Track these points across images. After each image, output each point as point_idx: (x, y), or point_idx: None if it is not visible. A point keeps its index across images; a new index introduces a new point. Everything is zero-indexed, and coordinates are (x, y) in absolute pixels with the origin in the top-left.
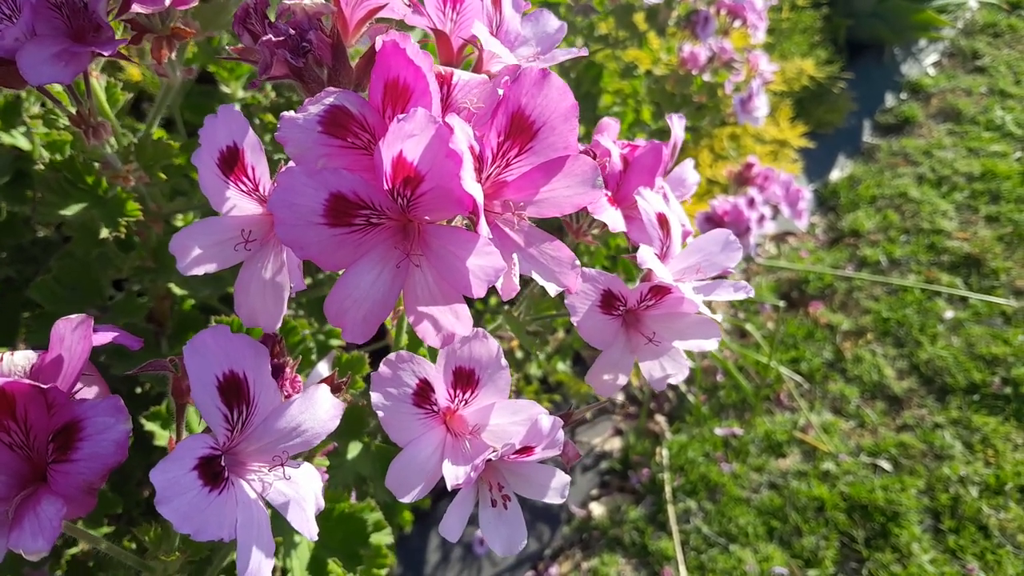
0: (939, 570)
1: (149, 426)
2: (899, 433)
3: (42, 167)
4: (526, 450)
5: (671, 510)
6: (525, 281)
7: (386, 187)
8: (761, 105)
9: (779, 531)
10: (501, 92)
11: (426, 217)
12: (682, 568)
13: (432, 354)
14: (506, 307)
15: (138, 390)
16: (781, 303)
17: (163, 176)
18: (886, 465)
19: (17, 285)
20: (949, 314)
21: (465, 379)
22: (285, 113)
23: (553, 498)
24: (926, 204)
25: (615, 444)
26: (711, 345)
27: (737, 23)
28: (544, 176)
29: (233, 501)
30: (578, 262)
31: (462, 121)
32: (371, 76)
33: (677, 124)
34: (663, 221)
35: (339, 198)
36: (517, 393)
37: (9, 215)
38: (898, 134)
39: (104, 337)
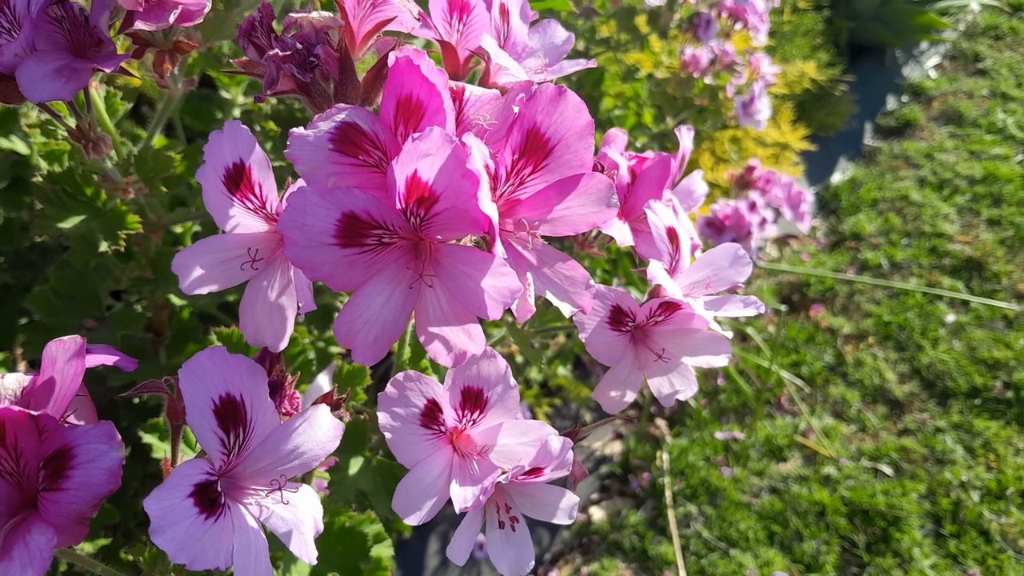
0: (940, 575)
1: (147, 438)
2: (900, 437)
3: (40, 178)
4: (535, 471)
5: (671, 514)
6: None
7: (399, 207)
8: (763, 108)
9: (780, 536)
10: (516, 109)
11: (438, 236)
12: (682, 573)
13: (435, 367)
14: (509, 318)
15: (136, 400)
16: (782, 307)
17: (163, 188)
18: (887, 469)
19: (15, 291)
20: (951, 318)
21: (473, 399)
22: (294, 130)
23: (561, 519)
24: (927, 207)
25: (615, 448)
26: (721, 361)
27: (738, 26)
28: (558, 195)
29: (230, 527)
30: (592, 281)
31: (478, 140)
32: (383, 92)
33: (685, 136)
34: (672, 235)
35: (351, 218)
36: None
37: (7, 221)
38: (899, 137)
39: (97, 359)
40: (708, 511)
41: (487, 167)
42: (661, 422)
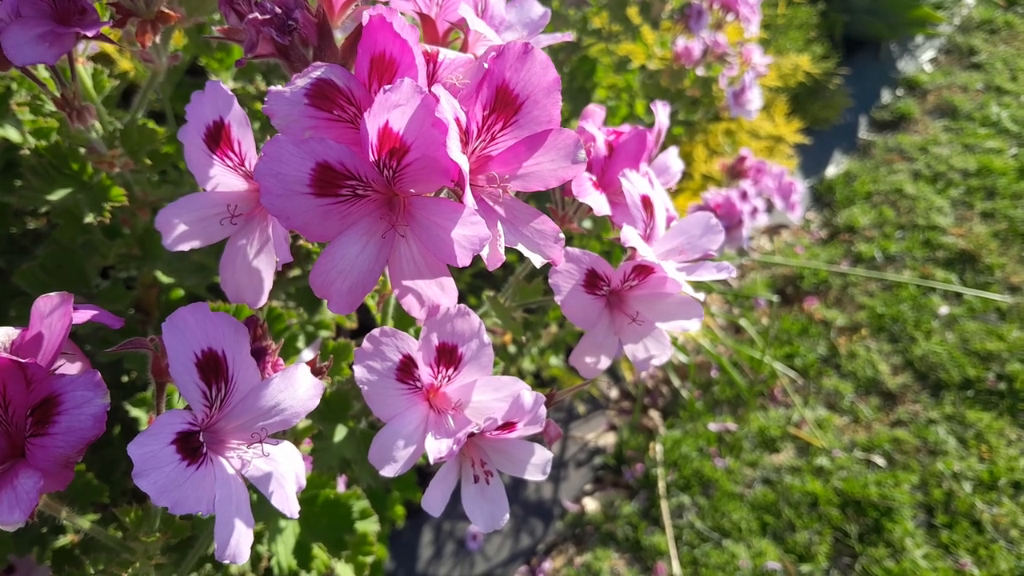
0: (932, 565)
1: (134, 412)
2: (893, 429)
3: (27, 152)
4: (508, 426)
5: (664, 505)
6: (511, 266)
7: (372, 158)
8: (754, 98)
9: (772, 526)
10: (487, 67)
11: (411, 189)
12: (675, 563)
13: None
14: (491, 295)
15: (124, 378)
16: (776, 298)
17: (148, 162)
18: (880, 461)
19: (7, 275)
20: (944, 310)
21: (448, 355)
22: (272, 87)
23: (534, 474)
24: (921, 200)
25: (609, 439)
26: (694, 326)
27: (730, 17)
28: (528, 150)
29: (211, 477)
30: (562, 235)
31: (447, 92)
32: (357, 50)
33: (661, 112)
34: (647, 203)
35: (325, 168)
36: None
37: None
38: (894, 130)
39: (84, 315)
40: (701, 502)
41: (458, 120)
42: (655, 413)
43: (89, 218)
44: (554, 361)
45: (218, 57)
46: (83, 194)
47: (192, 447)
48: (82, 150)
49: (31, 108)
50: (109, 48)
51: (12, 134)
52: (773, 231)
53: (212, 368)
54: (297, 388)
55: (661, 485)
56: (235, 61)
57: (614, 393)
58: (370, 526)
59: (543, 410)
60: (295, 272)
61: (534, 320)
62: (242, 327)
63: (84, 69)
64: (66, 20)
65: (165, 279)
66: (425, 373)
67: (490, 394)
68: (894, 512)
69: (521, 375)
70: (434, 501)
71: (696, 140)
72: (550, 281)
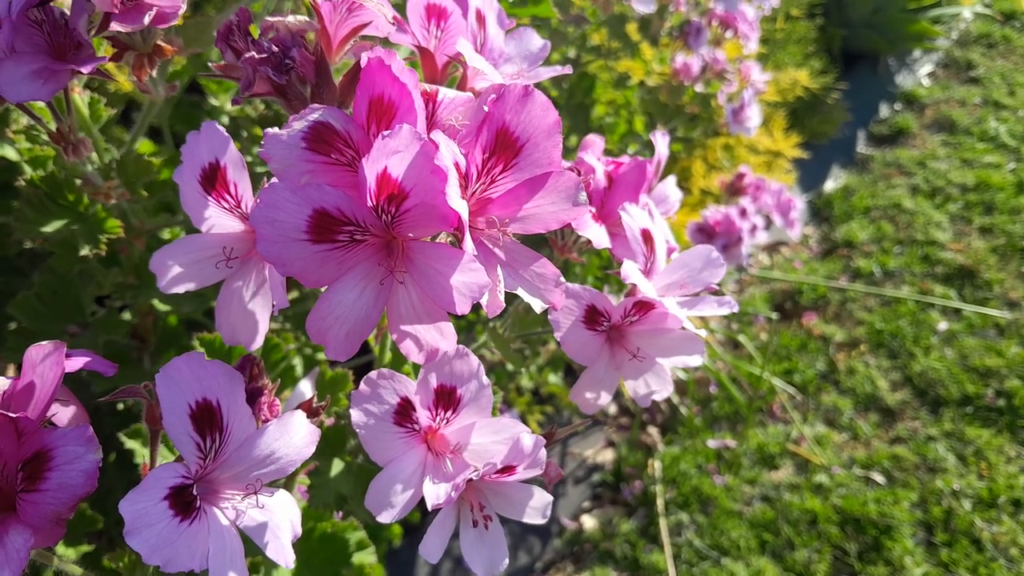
0: None
1: (130, 444)
2: (892, 445)
3: (24, 183)
4: (508, 469)
5: (663, 523)
6: (510, 297)
7: (370, 204)
8: (753, 115)
9: (771, 544)
10: (486, 109)
11: (410, 234)
12: None
13: (417, 371)
14: (491, 324)
15: (120, 406)
16: (774, 314)
17: (145, 193)
18: (879, 478)
19: (3, 297)
20: (943, 326)
21: (447, 397)
22: (269, 130)
23: (534, 518)
24: (920, 215)
25: (607, 456)
26: (695, 361)
27: (729, 33)
28: (529, 192)
29: (205, 531)
30: (563, 279)
31: (447, 138)
32: (356, 93)
33: (661, 142)
34: (647, 237)
35: (323, 214)
36: (508, 404)
37: None
38: (892, 145)
39: (77, 363)
40: (700, 519)
41: (457, 165)
42: (653, 430)
43: (85, 251)
44: (552, 379)
45: (217, 79)
46: (79, 225)
47: (185, 501)
48: (78, 181)
49: (27, 136)
50: (109, 66)
51: (9, 152)
52: (772, 248)
53: (207, 419)
54: (293, 436)
55: (660, 502)
56: (231, 99)
57: (612, 409)
58: (367, 557)
59: (543, 453)
60: (292, 295)
61: (526, 341)
62: (237, 375)
63: (80, 99)
64: (62, 55)
65: (162, 306)
66: (423, 416)
67: (489, 436)
68: (893, 530)
69: (520, 392)
70: (432, 547)
71: (694, 155)
72: (550, 318)
